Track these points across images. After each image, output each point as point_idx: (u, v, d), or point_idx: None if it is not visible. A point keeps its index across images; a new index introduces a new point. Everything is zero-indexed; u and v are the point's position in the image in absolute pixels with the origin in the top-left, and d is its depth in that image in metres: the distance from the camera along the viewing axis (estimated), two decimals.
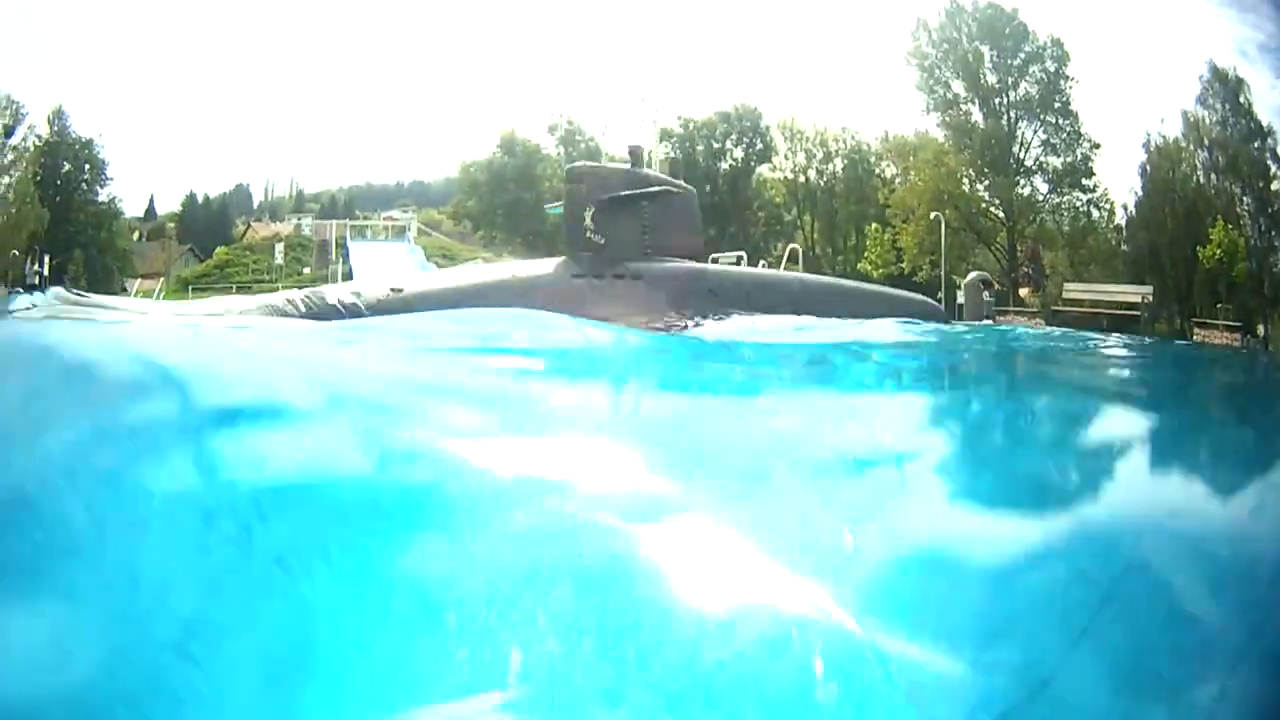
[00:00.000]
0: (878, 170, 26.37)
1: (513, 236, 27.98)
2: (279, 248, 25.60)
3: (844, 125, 26.49)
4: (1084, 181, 22.59)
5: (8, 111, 31.85)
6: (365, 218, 30.10)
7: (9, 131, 32.06)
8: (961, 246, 23.15)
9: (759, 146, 26.80)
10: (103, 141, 32.62)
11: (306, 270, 24.49)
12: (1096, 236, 22.33)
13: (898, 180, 25.33)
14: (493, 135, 29.68)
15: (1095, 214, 22.49)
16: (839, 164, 26.38)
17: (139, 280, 25.63)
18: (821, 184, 26.47)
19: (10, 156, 32.00)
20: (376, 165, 64.51)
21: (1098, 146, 22.35)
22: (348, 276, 22.03)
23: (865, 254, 24.30)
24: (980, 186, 23.78)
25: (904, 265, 22.73)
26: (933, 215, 21.24)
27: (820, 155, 26.56)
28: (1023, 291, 23.76)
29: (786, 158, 26.83)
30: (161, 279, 29.33)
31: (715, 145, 26.84)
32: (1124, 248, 21.20)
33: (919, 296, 12.82)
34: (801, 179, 26.68)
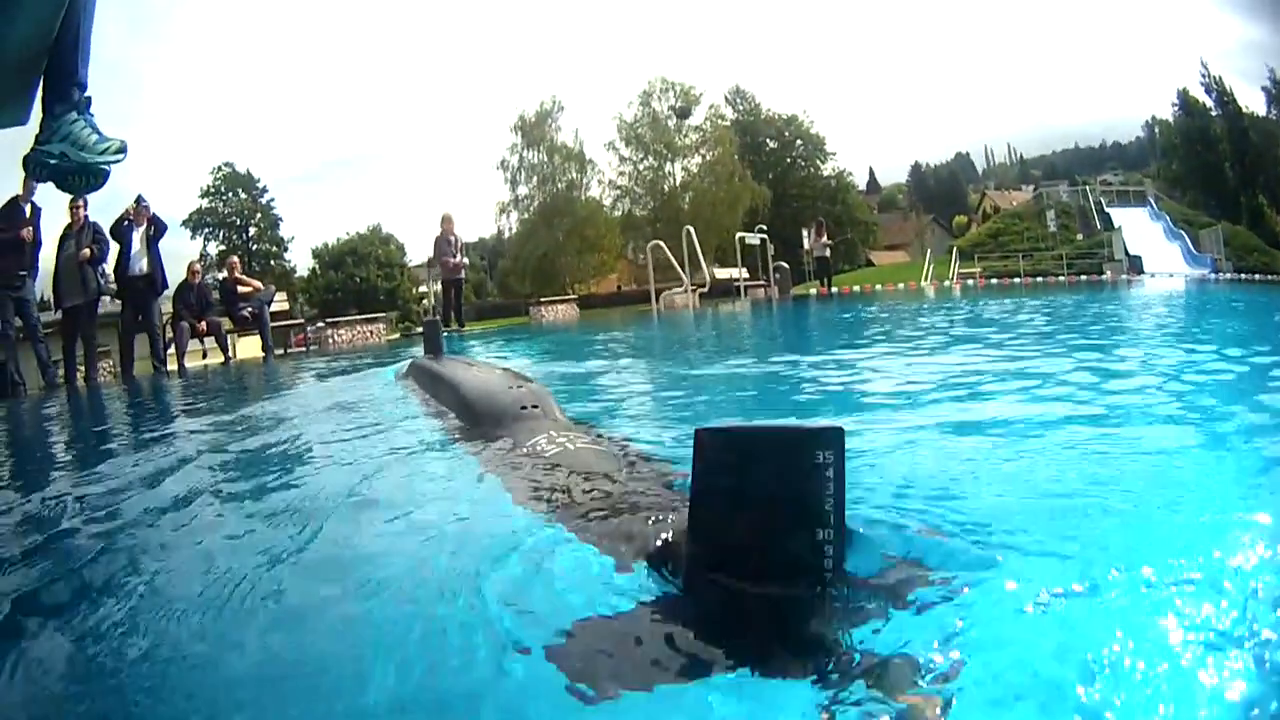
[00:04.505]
0: None
1: (1208, 199, 26.24)
2: (1050, 215, 24.50)
3: None
4: None
5: (669, 92, 33.28)
6: (1084, 182, 28.53)
7: (684, 113, 33.60)
8: None
9: None
10: (810, 118, 32.72)
11: (1080, 237, 23.61)
12: None
13: None
14: (1167, 92, 28.41)
15: None
16: None
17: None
18: None
19: (692, 137, 33.45)
20: (1080, 128, 61.44)
21: None
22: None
23: None
24: None
25: None
26: None
27: None
28: None
29: None
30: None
31: None
32: None
33: None
34: None
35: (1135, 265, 22.13)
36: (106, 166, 2.26)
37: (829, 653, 0.77)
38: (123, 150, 2.26)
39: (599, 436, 1.98)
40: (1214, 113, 28.87)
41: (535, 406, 2.15)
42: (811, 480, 0.83)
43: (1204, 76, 29.17)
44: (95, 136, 2.22)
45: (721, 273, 21.73)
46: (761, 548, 0.86)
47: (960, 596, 0.88)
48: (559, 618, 0.92)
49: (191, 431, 3.56)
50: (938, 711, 0.67)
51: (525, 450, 1.76)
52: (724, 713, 0.70)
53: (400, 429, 2.57)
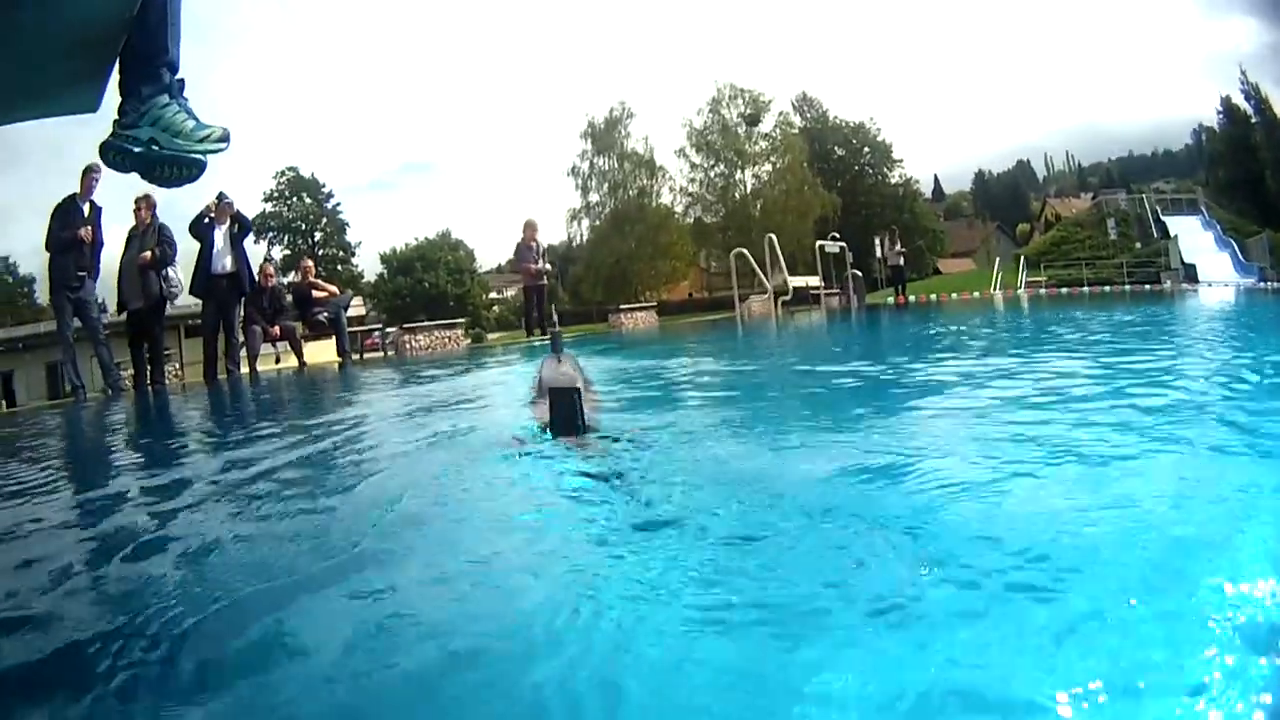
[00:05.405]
0: None
1: (1250, 207, 26.69)
2: (1110, 223, 25.42)
3: None
4: None
5: (739, 99, 33.62)
6: (1139, 190, 29.31)
7: (754, 121, 33.70)
8: None
9: None
10: (876, 125, 32.72)
11: (1138, 245, 24.40)
12: None
13: None
14: (1211, 98, 28.60)
15: None
16: None
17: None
18: None
19: (762, 144, 33.56)
20: (1134, 134, 61.24)
21: None
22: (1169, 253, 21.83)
23: None
24: None
25: None
26: None
27: None
28: None
29: None
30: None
31: None
32: None
33: None
34: None
35: (1189, 274, 22.35)
36: (204, 157, 2.01)
37: (583, 442, 2.03)
38: (225, 139, 2.02)
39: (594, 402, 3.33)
40: (1254, 120, 29.14)
41: None
42: (574, 403, 2.08)
43: (1243, 83, 29.62)
44: (192, 123, 1.98)
45: (795, 280, 22.12)
46: (565, 422, 2.07)
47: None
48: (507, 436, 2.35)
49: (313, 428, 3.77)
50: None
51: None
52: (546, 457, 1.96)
53: (508, 401, 3.84)
